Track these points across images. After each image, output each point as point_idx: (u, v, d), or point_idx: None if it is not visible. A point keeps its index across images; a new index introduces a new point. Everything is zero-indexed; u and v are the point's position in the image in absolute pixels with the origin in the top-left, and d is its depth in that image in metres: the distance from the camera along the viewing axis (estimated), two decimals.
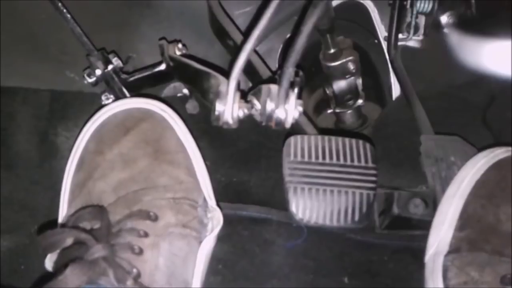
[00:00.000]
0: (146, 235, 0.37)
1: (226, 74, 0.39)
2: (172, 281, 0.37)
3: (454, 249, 0.38)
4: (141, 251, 0.37)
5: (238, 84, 0.39)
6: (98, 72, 0.52)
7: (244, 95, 0.40)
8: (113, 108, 0.43)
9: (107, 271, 0.35)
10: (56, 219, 0.41)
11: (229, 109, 0.38)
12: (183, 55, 0.52)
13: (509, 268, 0.36)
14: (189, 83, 0.53)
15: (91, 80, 0.52)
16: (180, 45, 0.53)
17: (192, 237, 0.40)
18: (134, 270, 0.36)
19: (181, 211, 0.40)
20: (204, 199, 0.42)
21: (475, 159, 0.41)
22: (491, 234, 0.38)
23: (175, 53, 0.52)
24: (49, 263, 0.38)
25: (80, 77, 0.53)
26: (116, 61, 0.52)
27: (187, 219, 0.40)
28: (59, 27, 0.52)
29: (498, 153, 0.40)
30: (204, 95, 0.43)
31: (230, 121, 0.38)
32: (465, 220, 0.39)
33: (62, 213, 0.42)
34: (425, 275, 0.40)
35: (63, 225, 0.39)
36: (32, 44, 0.58)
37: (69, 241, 0.36)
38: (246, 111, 0.39)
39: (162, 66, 0.53)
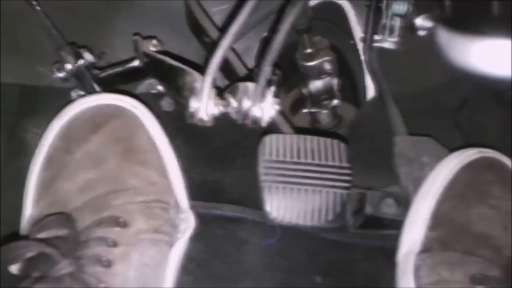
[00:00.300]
0: (115, 244, 0.36)
1: (202, 70, 0.39)
2: None
3: (426, 249, 0.39)
4: (110, 264, 0.35)
5: (214, 81, 0.38)
6: (68, 66, 0.50)
7: (220, 92, 0.40)
8: (82, 103, 0.41)
9: None
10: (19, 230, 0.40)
11: (204, 106, 0.38)
12: (157, 51, 0.51)
13: (480, 268, 0.36)
14: (164, 80, 0.52)
15: (61, 75, 0.50)
16: (154, 41, 0.52)
17: (164, 242, 0.39)
18: (102, 285, 0.35)
19: (153, 215, 0.39)
20: (176, 200, 0.41)
21: (448, 160, 0.41)
22: (462, 234, 0.38)
23: (149, 49, 0.51)
24: (14, 267, 0.37)
25: (51, 71, 0.51)
26: (87, 56, 0.51)
27: (158, 223, 0.39)
28: (29, 19, 0.51)
29: (469, 154, 0.41)
30: (179, 92, 0.42)
31: (205, 118, 0.38)
32: (437, 219, 0.40)
33: (27, 213, 0.40)
34: (397, 274, 0.40)
35: (26, 236, 0.37)
36: (1, 37, 0.56)
37: (33, 253, 0.35)
38: (222, 108, 0.39)
39: (136, 62, 0.52)
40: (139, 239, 0.37)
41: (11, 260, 0.35)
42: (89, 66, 0.52)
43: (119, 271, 0.36)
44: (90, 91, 0.51)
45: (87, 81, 0.51)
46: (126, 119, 0.41)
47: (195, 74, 0.41)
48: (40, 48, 0.56)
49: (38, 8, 0.49)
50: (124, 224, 0.37)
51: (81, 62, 0.50)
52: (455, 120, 0.53)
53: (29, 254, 0.34)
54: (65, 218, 0.37)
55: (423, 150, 0.44)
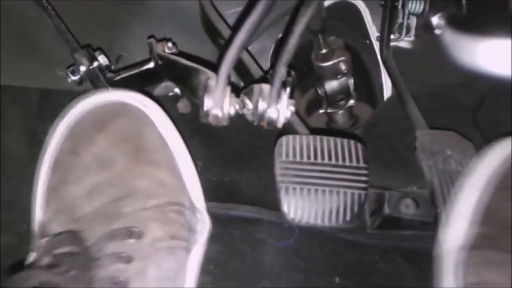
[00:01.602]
0: (130, 260, 0.33)
1: (217, 69, 0.38)
2: None
3: (468, 245, 0.36)
4: (126, 284, 0.33)
5: (229, 78, 0.37)
6: (82, 69, 0.49)
7: (234, 89, 0.38)
8: (86, 102, 0.39)
9: None
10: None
11: (218, 102, 0.36)
12: (171, 53, 0.51)
13: None
14: (179, 82, 0.52)
15: (75, 78, 0.50)
16: (170, 44, 0.52)
17: (181, 248, 0.37)
18: None
19: (168, 220, 0.36)
20: (191, 201, 0.39)
21: (491, 150, 0.38)
22: (507, 230, 0.35)
23: (164, 51, 0.51)
24: None
25: (65, 75, 0.52)
26: (102, 59, 0.51)
27: (175, 228, 0.36)
28: (48, 25, 0.52)
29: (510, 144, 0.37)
30: (194, 92, 0.42)
31: (220, 115, 0.36)
32: (482, 214, 0.36)
33: (36, 218, 0.39)
34: (437, 270, 0.38)
35: (32, 264, 0.34)
36: (21, 42, 0.58)
37: (36, 284, 0.32)
38: (237, 106, 0.38)
39: (151, 64, 0.52)
40: (155, 249, 0.35)
41: None
42: (103, 69, 0.51)
43: None
44: None
45: (101, 84, 0.51)
46: (133, 116, 0.39)
47: (210, 72, 0.40)
48: (59, 53, 0.57)
49: (53, 13, 0.50)
50: (138, 235, 0.35)
51: (95, 64, 0.50)
52: (473, 118, 0.52)
53: (33, 285, 0.32)
54: (73, 236, 0.34)
55: (446, 143, 0.43)
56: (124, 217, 0.35)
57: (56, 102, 0.56)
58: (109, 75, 0.52)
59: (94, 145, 0.38)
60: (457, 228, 0.37)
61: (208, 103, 0.36)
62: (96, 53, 0.51)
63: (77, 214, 0.36)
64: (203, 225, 0.39)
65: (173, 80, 0.54)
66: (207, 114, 0.37)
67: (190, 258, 0.38)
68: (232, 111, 0.37)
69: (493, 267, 0.34)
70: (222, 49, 0.43)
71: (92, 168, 0.37)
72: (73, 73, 0.50)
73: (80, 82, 0.51)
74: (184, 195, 0.39)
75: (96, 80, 0.51)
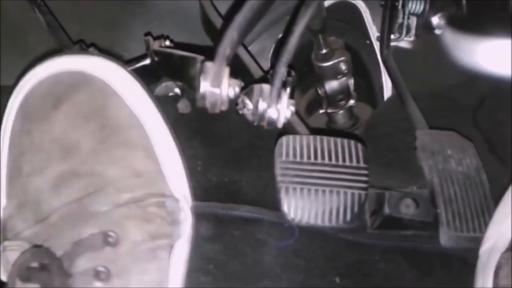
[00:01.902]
0: (108, 276, 0.29)
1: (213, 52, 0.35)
2: None
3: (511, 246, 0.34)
4: None
5: (228, 60, 0.34)
6: None
7: (233, 72, 0.36)
8: (37, 73, 0.33)
9: None
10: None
11: (215, 83, 0.34)
12: (166, 46, 0.50)
13: None
14: (176, 76, 0.51)
15: None
16: (167, 42, 0.52)
17: (163, 247, 0.32)
18: None
19: (147, 217, 0.31)
20: (171, 187, 0.34)
21: None
22: None
23: (160, 47, 0.51)
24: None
25: None
26: (94, 53, 0.50)
27: (155, 226, 0.32)
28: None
29: None
30: (193, 83, 0.39)
31: (217, 94, 0.33)
32: None
33: (1, 207, 0.34)
34: (477, 268, 0.36)
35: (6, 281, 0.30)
36: (22, 42, 0.58)
37: None
38: (237, 89, 0.36)
39: (147, 61, 0.51)
40: (134, 257, 0.30)
41: None
42: None
43: None
44: None
45: None
46: (93, 88, 0.32)
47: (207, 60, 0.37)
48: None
49: (45, 9, 0.49)
50: (115, 241, 0.30)
51: None
52: (473, 119, 0.52)
53: None
54: (43, 249, 0.30)
55: (446, 143, 0.43)
56: (96, 218, 0.30)
57: None
58: None
59: (51, 126, 0.32)
60: (504, 228, 0.35)
61: (204, 84, 0.33)
62: (90, 49, 0.51)
63: (42, 212, 0.31)
64: (185, 215, 0.34)
65: (170, 76, 0.53)
66: (203, 96, 0.34)
67: (174, 256, 0.33)
68: (232, 94, 0.35)
69: None
70: (221, 29, 0.41)
71: (53, 155, 0.32)
72: None
73: None
74: (164, 183, 0.34)
75: None
